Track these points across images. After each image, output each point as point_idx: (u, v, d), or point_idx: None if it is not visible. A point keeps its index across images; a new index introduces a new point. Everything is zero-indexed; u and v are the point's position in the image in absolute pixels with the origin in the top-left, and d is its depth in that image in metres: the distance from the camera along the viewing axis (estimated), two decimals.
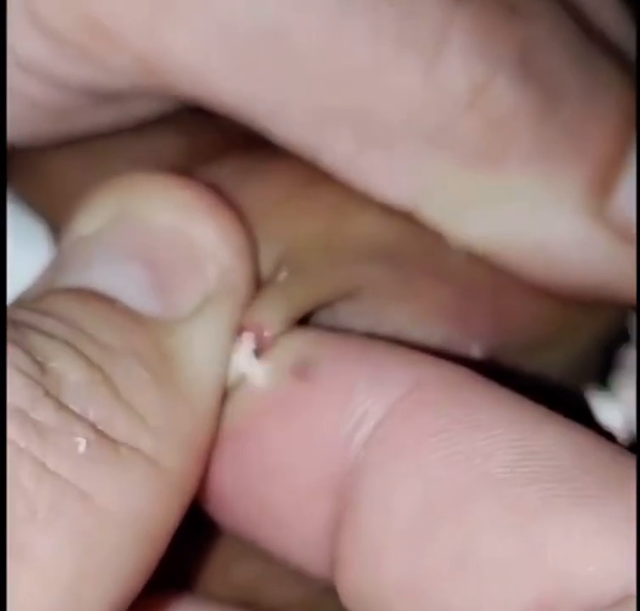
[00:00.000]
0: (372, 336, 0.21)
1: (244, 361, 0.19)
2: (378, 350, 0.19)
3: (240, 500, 0.19)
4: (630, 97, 0.21)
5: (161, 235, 0.19)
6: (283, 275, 0.21)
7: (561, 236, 0.20)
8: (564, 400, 0.20)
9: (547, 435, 0.17)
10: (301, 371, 0.19)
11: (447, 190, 0.21)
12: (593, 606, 0.15)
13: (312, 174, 0.21)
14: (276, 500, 0.18)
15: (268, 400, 0.19)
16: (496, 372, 0.19)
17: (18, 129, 0.22)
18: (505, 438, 0.17)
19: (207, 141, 0.24)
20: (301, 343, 0.19)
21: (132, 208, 0.20)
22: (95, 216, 0.20)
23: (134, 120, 0.23)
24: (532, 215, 0.20)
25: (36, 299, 0.18)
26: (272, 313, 0.20)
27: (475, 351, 0.21)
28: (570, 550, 0.15)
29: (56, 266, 0.20)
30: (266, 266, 0.21)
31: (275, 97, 0.20)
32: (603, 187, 0.20)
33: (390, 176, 0.21)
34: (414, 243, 0.21)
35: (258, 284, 0.21)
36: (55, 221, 0.25)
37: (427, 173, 0.20)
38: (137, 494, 0.16)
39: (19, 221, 0.25)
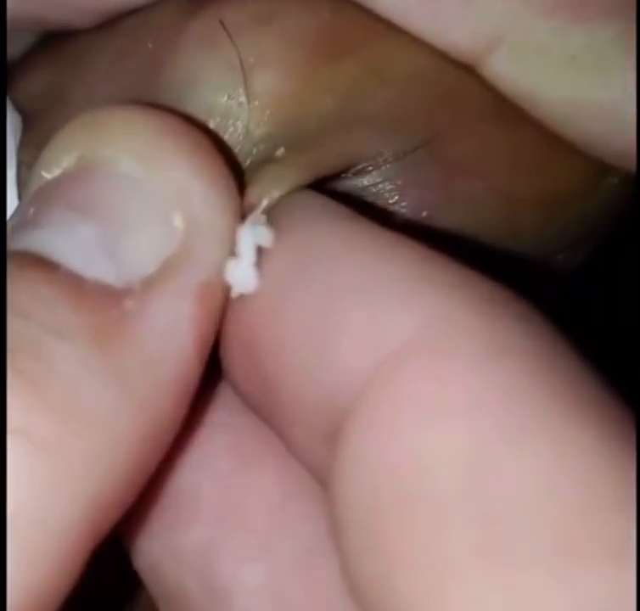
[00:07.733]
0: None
1: (241, 269, 0.17)
2: (378, 281, 0.15)
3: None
4: None
5: (121, 184, 0.16)
6: (280, 151, 0.19)
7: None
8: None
9: None
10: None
11: (522, 39, 0.18)
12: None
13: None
14: (281, 401, 0.16)
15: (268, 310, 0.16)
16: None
17: None
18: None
19: None
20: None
21: (92, 153, 0.17)
22: (57, 160, 0.17)
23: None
24: (612, 74, 0.18)
25: None
26: (268, 190, 0.18)
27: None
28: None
29: (15, 220, 0.17)
30: (264, 150, 0.19)
31: None
32: None
33: (457, 19, 0.18)
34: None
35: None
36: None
37: (500, 18, 0.18)
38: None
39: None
